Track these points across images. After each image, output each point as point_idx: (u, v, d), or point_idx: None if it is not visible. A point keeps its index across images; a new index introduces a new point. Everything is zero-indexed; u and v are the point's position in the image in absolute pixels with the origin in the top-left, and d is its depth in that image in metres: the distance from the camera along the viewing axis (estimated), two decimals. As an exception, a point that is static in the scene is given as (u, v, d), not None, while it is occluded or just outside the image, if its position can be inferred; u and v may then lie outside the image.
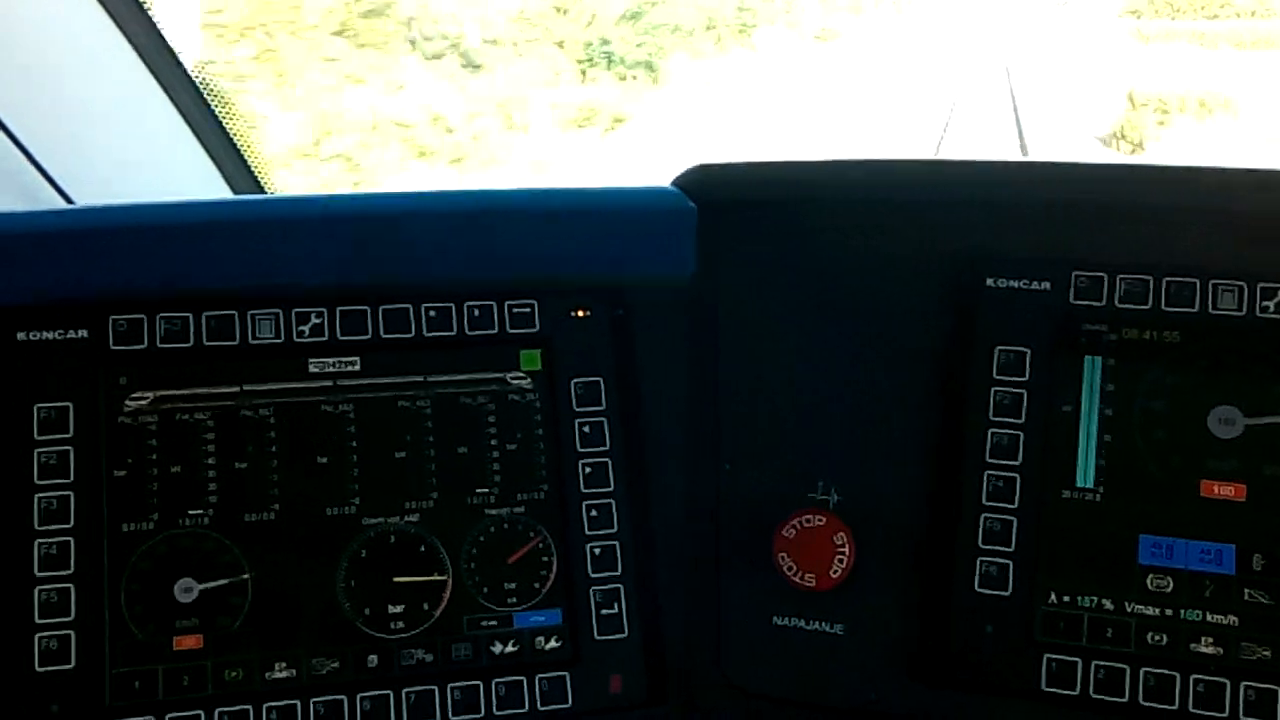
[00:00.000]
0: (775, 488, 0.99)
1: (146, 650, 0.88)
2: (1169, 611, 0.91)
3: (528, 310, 0.99)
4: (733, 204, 1.02)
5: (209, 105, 1.39)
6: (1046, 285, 0.96)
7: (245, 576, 0.90)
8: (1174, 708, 0.89)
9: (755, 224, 1.02)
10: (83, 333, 0.92)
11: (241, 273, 0.93)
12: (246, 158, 1.47)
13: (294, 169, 6.71)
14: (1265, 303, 0.92)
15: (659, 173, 1.05)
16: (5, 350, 0.91)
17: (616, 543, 0.97)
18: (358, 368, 0.95)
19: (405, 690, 0.91)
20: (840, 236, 1.01)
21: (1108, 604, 0.92)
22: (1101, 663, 0.91)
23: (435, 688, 0.92)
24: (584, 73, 12.34)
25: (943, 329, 0.98)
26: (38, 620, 0.87)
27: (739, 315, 1.02)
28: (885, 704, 0.96)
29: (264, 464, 0.92)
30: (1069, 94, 14.60)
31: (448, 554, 0.94)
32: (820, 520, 0.97)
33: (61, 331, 0.92)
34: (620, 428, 0.99)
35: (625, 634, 0.96)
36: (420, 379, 0.96)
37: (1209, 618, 0.90)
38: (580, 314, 1.00)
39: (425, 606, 0.93)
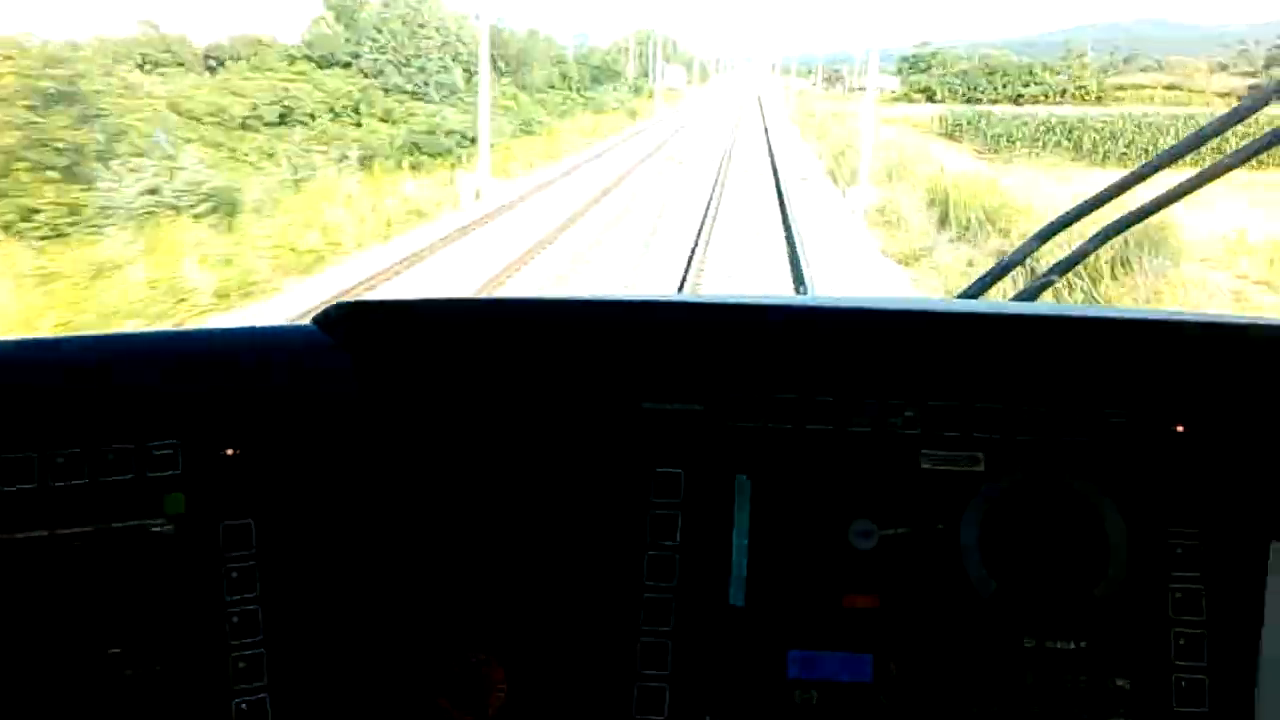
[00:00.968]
0: (438, 625, 0.97)
1: None
2: None
3: (169, 452, 0.92)
4: (378, 341, 1.00)
5: None
6: (699, 406, 1.00)
7: None
8: None
9: (404, 362, 1.00)
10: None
11: None
12: None
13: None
14: (893, 419, 0.99)
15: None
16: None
17: (266, 696, 0.91)
18: None
19: None
20: (498, 371, 1.01)
21: None
22: None
23: None
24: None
25: (602, 455, 1.00)
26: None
27: (395, 453, 0.99)
28: None
29: None
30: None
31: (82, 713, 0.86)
32: (481, 658, 0.96)
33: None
34: (273, 573, 0.93)
35: None
36: (45, 534, 0.87)
37: None
38: (230, 453, 0.94)
39: None
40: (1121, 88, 70.11)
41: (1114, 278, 10.54)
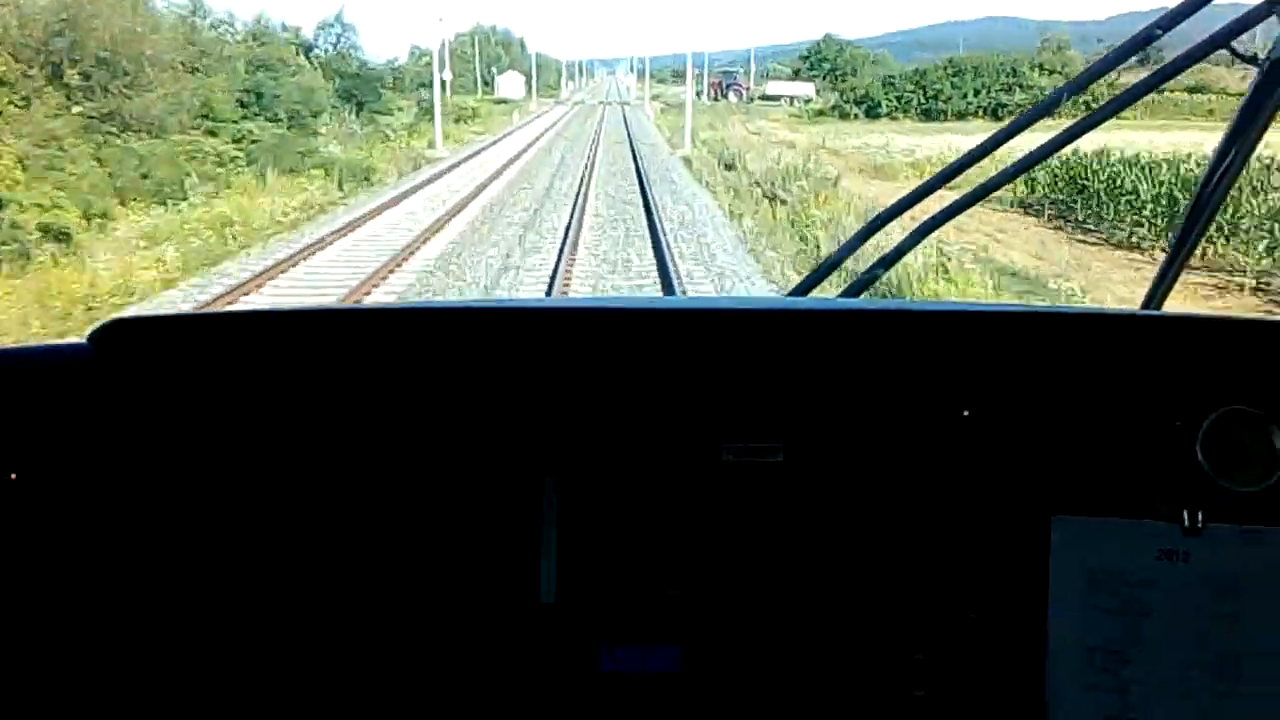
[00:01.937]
0: (225, 640, 0.97)
1: None
2: None
3: None
4: (154, 357, 0.99)
5: None
6: (506, 408, 1.02)
7: None
8: None
9: (181, 377, 1.00)
10: None
11: None
12: None
13: None
14: (696, 413, 1.02)
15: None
16: None
17: None
18: None
19: None
20: (276, 383, 1.00)
21: None
22: None
23: None
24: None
25: (406, 460, 1.00)
26: None
27: (172, 470, 0.98)
28: None
29: None
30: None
31: None
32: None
33: None
34: (53, 596, 0.92)
35: None
36: None
37: None
38: (13, 477, 0.92)
39: None
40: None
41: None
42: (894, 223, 1.29)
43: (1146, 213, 14.88)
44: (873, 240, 1.31)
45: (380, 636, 0.98)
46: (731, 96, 69.70)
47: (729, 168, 21.98)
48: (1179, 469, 0.91)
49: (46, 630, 0.93)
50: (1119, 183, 16.37)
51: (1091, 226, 15.96)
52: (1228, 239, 12.46)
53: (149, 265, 11.40)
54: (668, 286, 10.36)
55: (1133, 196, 15.54)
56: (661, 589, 0.99)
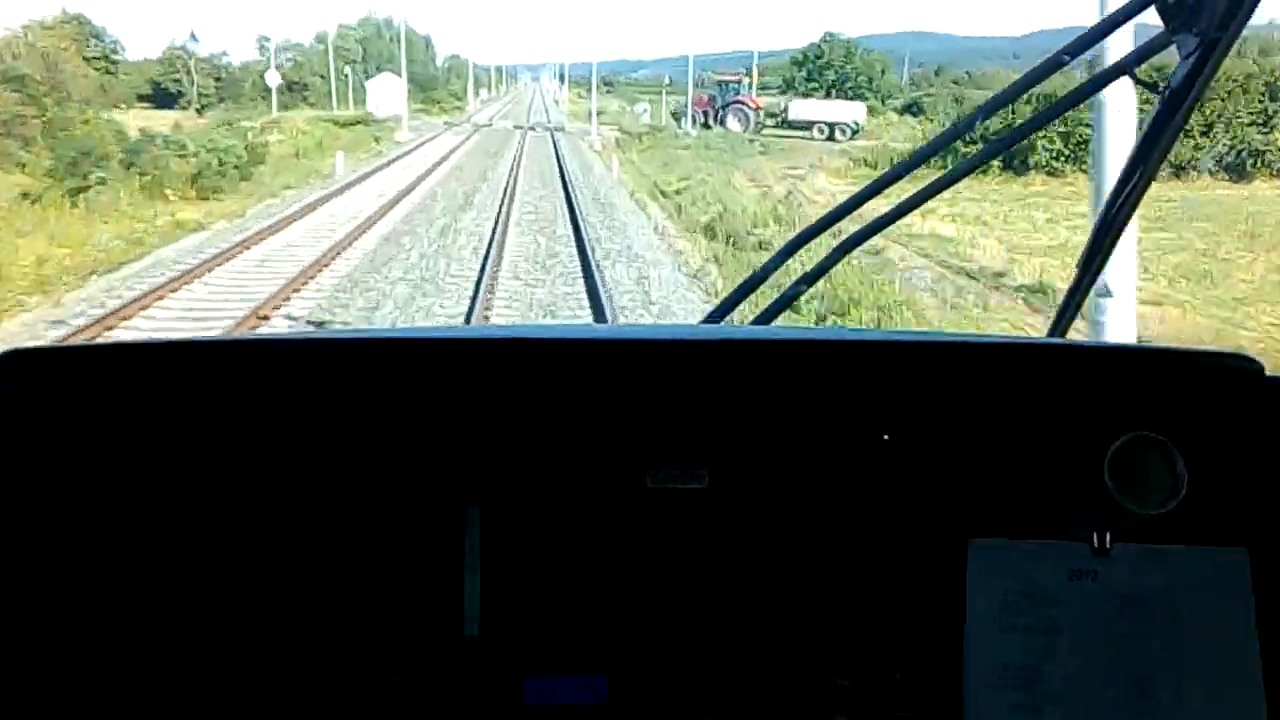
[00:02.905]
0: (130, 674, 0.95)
1: None
2: None
3: None
4: (54, 389, 0.97)
5: None
6: (427, 438, 1.01)
7: None
8: None
9: (81, 409, 0.98)
10: None
11: None
12: None
13: None
14: (620, 440, 1.02)
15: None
16: None
17: None
18: None
19: None
20: (179, 415, 0.99)
21: None
22: None
23: None
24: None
25: (327, 492, 0.99)
26: None
27: (77, 504, 0.96)
28: None
29: None
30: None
31: None
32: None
33: None
34: None
35: None
36: None
37: None
38: None
39: None
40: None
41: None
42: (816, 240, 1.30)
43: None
44: (795, 258, 1.33)
45: (298, 673, 0.96)
46: (732, 122, 43.03)
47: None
48: (1088, 492, 0.93)
49: None
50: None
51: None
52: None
53: None
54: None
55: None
56: (588, 618, 0.98)
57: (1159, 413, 0.95)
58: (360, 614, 0.96)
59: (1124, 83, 1.13)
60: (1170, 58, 1.10)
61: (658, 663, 0.98)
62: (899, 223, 1.26)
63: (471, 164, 27.53)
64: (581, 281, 11.61)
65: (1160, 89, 1.10)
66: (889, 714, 0.98)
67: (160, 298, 10.54)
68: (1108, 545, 0.95)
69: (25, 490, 0.94)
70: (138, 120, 29.50)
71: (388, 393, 1.00)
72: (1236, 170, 24.72)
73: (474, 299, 10.46)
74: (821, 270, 1.28)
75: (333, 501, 0.98)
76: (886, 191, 1.27)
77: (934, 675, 0.99)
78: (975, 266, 14.46)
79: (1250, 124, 25.32)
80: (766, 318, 1.29)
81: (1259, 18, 1.09)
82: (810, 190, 22.25)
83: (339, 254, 13.26)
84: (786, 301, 1.28)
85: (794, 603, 0.99)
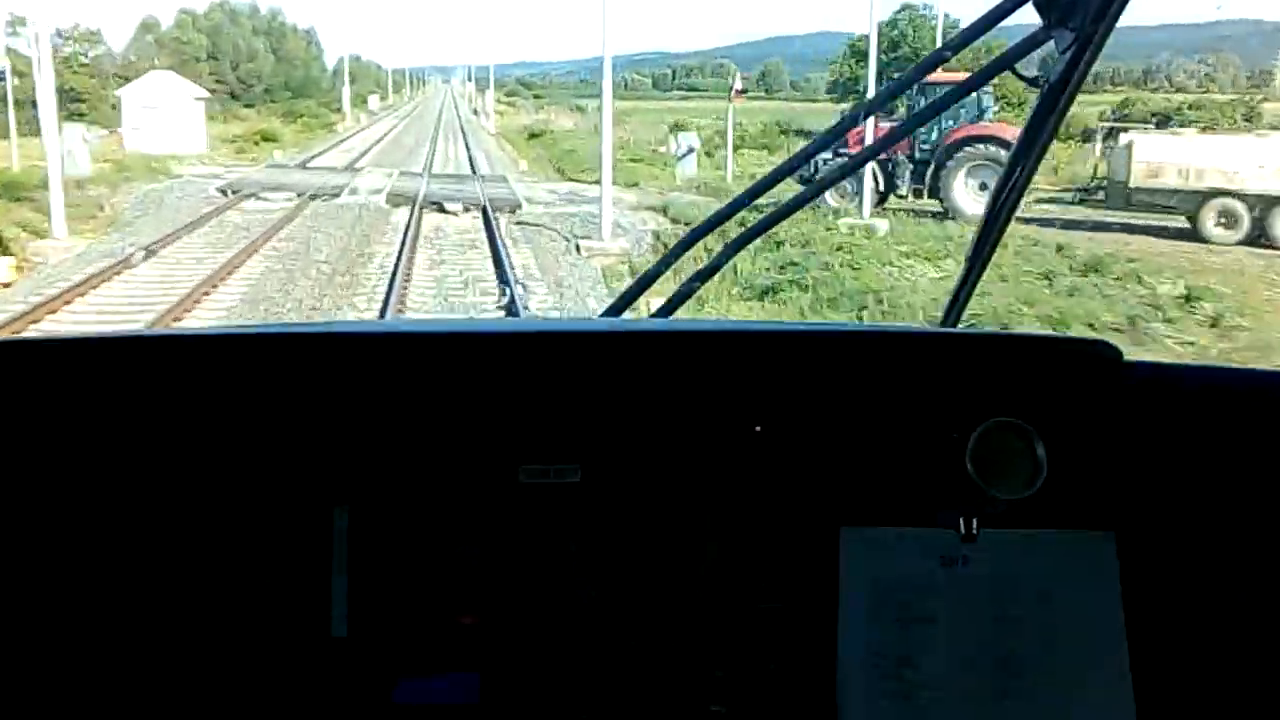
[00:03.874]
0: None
1: None
2: None
3: None
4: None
5: None
6: (298, 438, 1.00)
7: None
8: None
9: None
10: None
11: None
12: None
13: None
14: (492, 435, 1.01)
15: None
16: None
17: None
18: None
19: None
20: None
21: None
22: None
23: None
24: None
25: (210, 491, 0.97)
26: None
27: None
28: None
29: None
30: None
31: None
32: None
33: None
34: None
35: None
36: None
37: None
38: None
39: None
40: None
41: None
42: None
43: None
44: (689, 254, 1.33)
45: (165, 672, 0.93)
46: (967, 194, 15.75)
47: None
48: (952, 479, 0.95)
49: None
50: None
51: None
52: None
53: None
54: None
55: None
56: (458, 616, 0.97)
57: (1022, 399, 0.97)
58: (225, 614, 0.94)
59: None
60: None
61: (532, 660, 0.97)
62: None
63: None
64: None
65: (1040, 83, 1.13)
66: (764, 703, 0.98)
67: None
68: (974, 531, 0.96)
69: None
70: None
71: (251, 389, 0.97)
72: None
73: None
74: (715, 266, 1.27)
75: (195, 500, 0.95)
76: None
77: (808, 664, 0.99)
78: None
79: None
80: (665, 311, 1.27)
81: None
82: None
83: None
84: (684, 295, 1.28)
85: (667, 595, 0.99)
